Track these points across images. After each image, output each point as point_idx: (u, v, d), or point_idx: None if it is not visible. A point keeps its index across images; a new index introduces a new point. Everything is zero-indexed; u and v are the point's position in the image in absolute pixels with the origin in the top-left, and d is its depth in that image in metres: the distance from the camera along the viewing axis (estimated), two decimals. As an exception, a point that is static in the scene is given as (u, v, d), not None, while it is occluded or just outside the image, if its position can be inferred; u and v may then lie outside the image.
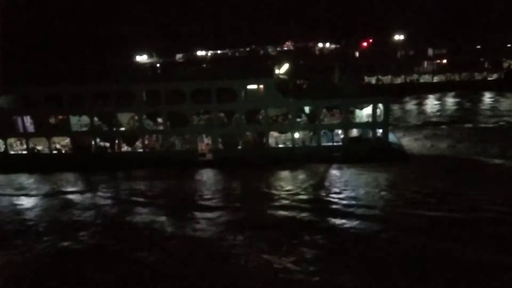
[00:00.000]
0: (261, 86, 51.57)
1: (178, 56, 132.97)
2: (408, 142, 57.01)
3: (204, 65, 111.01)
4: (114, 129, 53.20)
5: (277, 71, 60.07)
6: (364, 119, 52.66)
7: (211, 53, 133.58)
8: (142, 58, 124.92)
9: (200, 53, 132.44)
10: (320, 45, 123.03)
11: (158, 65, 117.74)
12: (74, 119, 54.18)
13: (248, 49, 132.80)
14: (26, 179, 50.03)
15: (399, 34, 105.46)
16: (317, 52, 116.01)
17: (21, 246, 33.24)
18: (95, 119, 53.04)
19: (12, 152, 55.18)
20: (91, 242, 33.66)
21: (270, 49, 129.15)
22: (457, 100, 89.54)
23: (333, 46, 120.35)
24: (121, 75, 63.04)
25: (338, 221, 34.98)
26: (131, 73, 74.53)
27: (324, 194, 41.25)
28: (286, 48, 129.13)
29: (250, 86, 51.68)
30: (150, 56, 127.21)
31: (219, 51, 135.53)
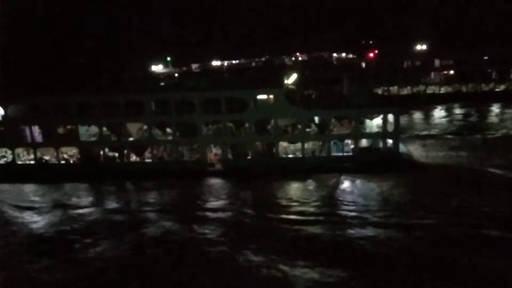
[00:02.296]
0: (271, 96, 51.35)
1: (194, 66, 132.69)
2: (418, 152, 56.59)
3: (218, 75, 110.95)
4: (123, 139, 52.91)
5: (285, 81, 59.90)
6: (375, 129, 52.30)
7: (227, 63, 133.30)
8: (157, 68, 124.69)
9: (215, 63, 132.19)
10: (335, 55, 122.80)
11: (176, 74, 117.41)
12: (82, 129, 53.93)
13: (263, 59, 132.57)
14: (33, 189, 49.65)
15: (421, 44, 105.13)
16: (335, 62, 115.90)
17: (28, 259, 32.76)
18: (104, 129, 52.79)
19: (19, 162, 54.85)
20: (101, 253, 33.13)
21: (286, 59, 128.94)
22: (464, 111, 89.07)
23: (350, 56, 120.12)
24: (137, 85, 62.48)
25: (349, 232, 34.58)
26: (148, 83, 73.85)
27: (335, 204, 40.83)
28: (300, 58, 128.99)
29: (260, 96, 51.45)
30: (165, 66, 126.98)
31: (235, 61, 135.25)
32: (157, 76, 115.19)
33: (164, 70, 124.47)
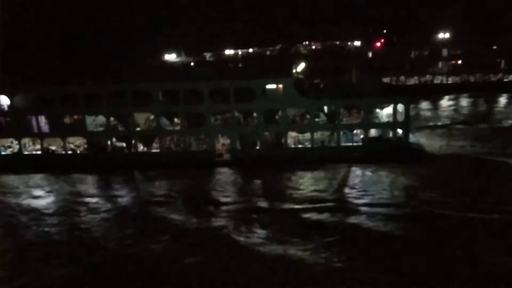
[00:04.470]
0: (280, 85, 50.81)
1: (208, 54, 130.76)
2: (426, 142, 56.20)
3: (232, 64, 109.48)
4: (131, 129, 52.51)
5: (294, 71, 59.32)
6: (384, 119, 51.81)
7: (241, 52, 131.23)
8: (170, 57, 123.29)
9: (228, 52, 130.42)
10: (349, 43, 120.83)
11: (192, 63, 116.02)
12: (89, 119, 53.50)
13: (277, 47, 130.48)
14: (40, 180, 49.31)
15: (444, 32, 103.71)
16: (351, 51, 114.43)
17: (37, 250, 32.42)
18: (111, 118, 52.38)
19: (26, 153, 54.53)
20: (109, 243, 32.92)
21: (301, 48, 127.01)
22: (472, 101, 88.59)
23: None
24: (146, 74, 61.20)
25: (359, 221, 34.45)
26: (160, 73, 72.63)
27: (346, 194, 40.62)
28: (314, 47, 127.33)
29: (268, 86, 50.90)
30: (178, 54, 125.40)
31: (250, 50, 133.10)
32: (171, 65, 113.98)
33: (177, 59, 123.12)
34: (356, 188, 41.68)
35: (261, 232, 33.11)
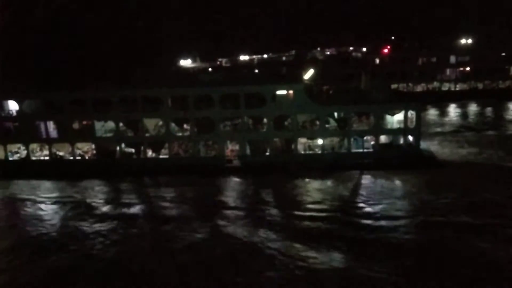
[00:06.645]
0: (290, 91, 50.51)
1: (224, 60, 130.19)
2: (437, 148, 55.76)
3: (246, 70, 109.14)
4: (140, 134, 52.19)
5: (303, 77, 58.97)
6: (395, 126, 51.38)
7: (257, 58, 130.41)
8: (186, 63, 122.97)
9: (243, 57, 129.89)
10: (364, 49, 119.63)
11: (210, 69, 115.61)
12: (98, 125, 53.25)
13: (293, 52, 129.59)
14: (48, 186, 48.99)
15: (466, 38, 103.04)
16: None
17: (42, 255, 32.18)
18: (120, 124, 52.11)
19: (33, 158, 54.24)
20: (117, 252, 32.52)
21: (317, 54, 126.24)
22: (480, 108, 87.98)
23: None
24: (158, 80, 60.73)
25: (370, 229, 34.09)
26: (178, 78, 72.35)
27: (358, 201, 40.09)
28: (329, 53, 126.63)
29: (279, 92, 50.60)
30: (193, 60, 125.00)
31: (265, 55, 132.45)
32: (186, 70, 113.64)
33: (193, 65, 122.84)
34: (369, 196, 41.13)
35: (271, 237, 32.92)
